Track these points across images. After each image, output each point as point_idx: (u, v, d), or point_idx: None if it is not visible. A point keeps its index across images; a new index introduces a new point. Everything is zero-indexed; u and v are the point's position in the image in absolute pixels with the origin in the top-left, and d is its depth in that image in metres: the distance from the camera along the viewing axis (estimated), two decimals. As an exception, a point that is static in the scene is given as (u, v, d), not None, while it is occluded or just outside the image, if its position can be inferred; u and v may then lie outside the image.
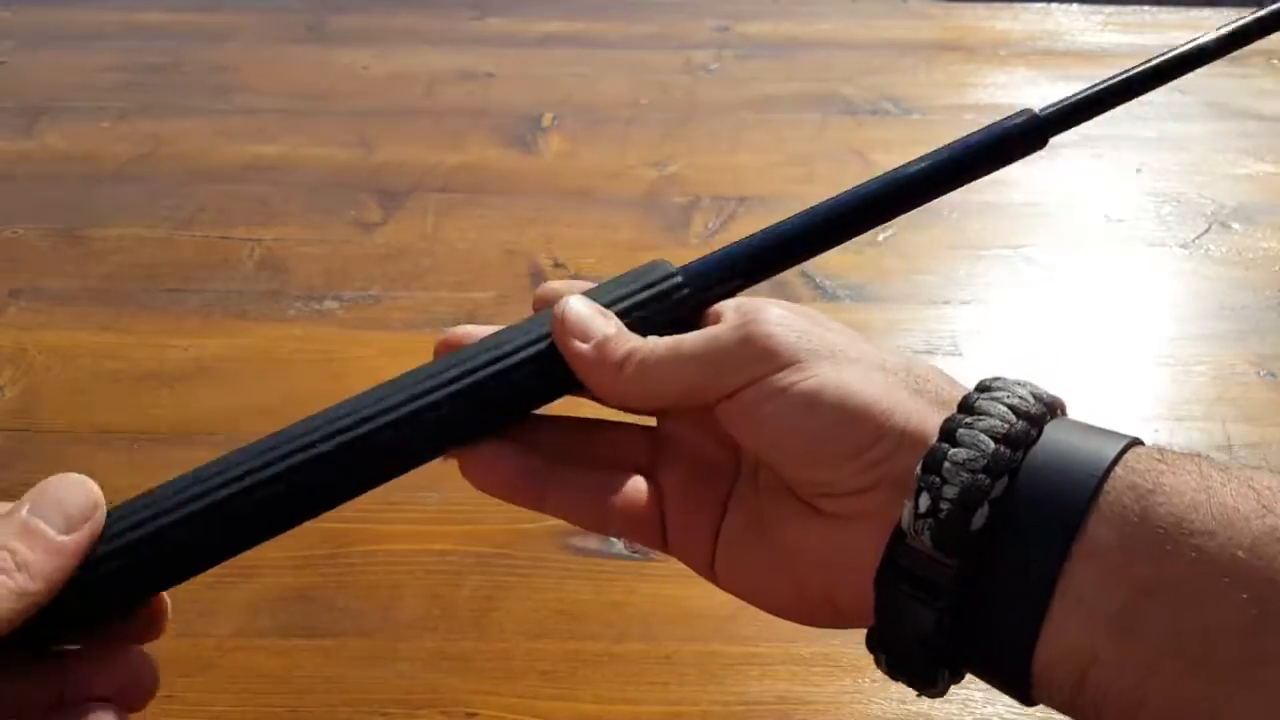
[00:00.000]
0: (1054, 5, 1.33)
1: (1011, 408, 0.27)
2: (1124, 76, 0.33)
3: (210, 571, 0.46)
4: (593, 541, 0.53)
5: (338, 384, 0.63)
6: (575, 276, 0.74)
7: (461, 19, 1.26)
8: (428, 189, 0.86)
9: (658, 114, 1.02)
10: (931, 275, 0.77)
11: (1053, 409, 0.28)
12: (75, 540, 0.27)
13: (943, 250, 0.80)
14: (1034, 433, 0.27)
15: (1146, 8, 1.31)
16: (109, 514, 0.28)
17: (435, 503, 0.55)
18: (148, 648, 0.29)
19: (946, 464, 0.26)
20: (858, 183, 0.33)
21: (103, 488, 0.28)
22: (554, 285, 0.34)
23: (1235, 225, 0.84)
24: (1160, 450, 0.26)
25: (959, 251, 0.80)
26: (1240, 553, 0.23)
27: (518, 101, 1.04)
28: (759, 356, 0.29)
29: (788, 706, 0.45)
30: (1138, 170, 0.93)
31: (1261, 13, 0.34)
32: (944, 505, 0.25)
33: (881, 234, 0.81)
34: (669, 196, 0.87)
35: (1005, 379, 0.28)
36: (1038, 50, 1.18)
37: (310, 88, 1.07)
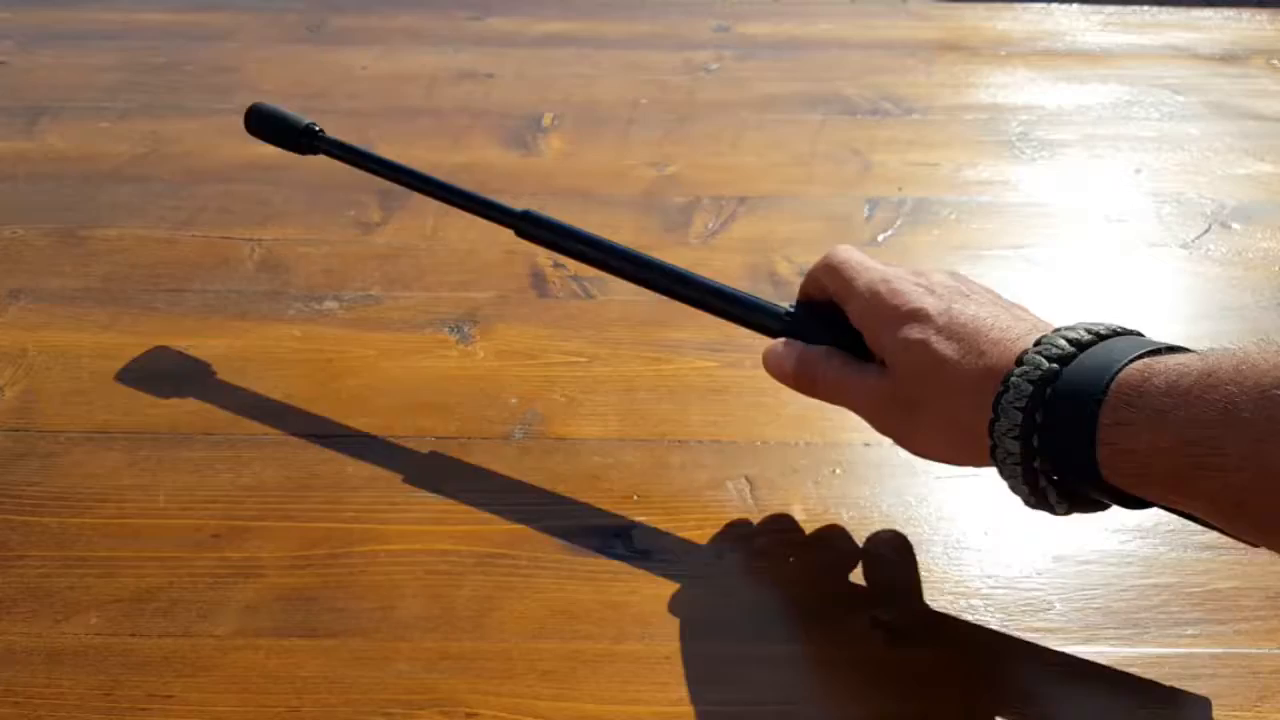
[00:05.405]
0: (1054, 5, 1.33)
1: (1090, 326, 0.42)
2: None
3: (210, 571, 0.47)
4: (593, 542, 0.53)
5: (338, 384, 0.63)
6: (574, 278, 0.74)
7: (461, 19, 1.26)
8: (428, 189, 0.86)
9: (658, 114, 1.02)
10: (931, 275, 0.77)
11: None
12: None
13: (943, 250, 0.80)
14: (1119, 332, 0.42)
15: (1146, 8, 1.32)
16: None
17: (435, 503, 0.55)
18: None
19: (1058, 337, 0.42)
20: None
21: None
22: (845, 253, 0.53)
23: (1235, 225, 0.84)
24: None
25: (959, 251, 0.80)
26: None
27: (518, 101, 1.04)
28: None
29: (788, 707, 0.45)
30: (1137, 170, 0.93)
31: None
32: (1049, 344, 0.41)
33: (882, 234, 0.81)
34: (669, 196, 0.87)
35: None
36: (1038, 50, 1.18)
37: (310, 88, 1.07)
